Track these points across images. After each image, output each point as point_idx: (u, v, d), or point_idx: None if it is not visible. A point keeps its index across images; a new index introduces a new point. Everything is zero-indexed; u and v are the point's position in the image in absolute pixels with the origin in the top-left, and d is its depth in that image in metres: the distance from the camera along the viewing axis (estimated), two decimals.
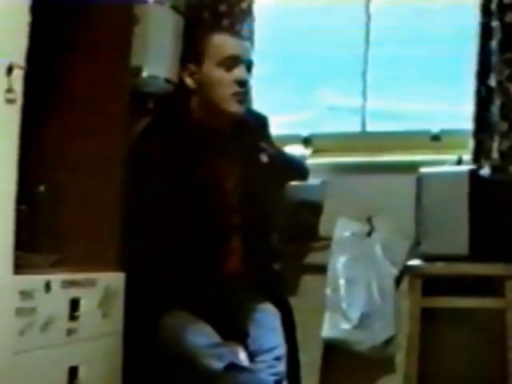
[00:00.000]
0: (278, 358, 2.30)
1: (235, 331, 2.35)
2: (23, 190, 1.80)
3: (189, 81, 2.52)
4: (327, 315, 3.07)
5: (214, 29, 2.85)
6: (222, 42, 2.51)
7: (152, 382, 2.30)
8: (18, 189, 1.76)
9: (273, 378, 2.25)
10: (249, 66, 2.55)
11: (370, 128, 3.45)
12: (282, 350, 2.34)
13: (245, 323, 2.38)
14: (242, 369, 2.23)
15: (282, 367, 2.30)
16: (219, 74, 2.47)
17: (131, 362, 2.21)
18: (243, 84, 2.50)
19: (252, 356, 2.32)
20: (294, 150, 3.15)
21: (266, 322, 2.41)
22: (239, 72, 2.49)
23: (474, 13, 3.05)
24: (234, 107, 2.49)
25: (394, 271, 3.12)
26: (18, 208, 1.78)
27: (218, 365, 2.19)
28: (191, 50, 2.59)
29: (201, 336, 2.25)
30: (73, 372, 1.98)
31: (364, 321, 3.05)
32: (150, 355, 2.27)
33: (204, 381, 2.21)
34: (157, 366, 2.27)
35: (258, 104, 3.30)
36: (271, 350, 2.32)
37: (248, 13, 3.33)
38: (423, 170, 2.93)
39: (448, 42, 3.33)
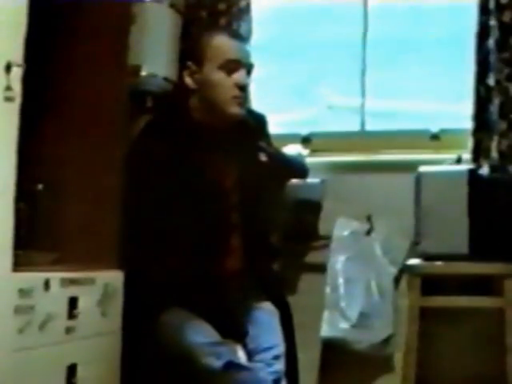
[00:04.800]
0: (276, 357, 2.30)
1: (234, 330, 2.35)
2: (22, 188, 1.80)
3: (189, 80, 2.52)
4: (326, 314, 3.08)
5: (214, 29, 2.85)
6: (223, 45, 2.50)
7: (150, 380, 2.30)
8: (17, 187, 1.76)
9: (271, 377, 2.25)
10: (249, 70, 2.55)
11: (369, 127, 3.46)
12: (280, 349, 2.34)
13: (244, 322, 2.38)
14: (241, 367, 2.23)
15: (280, 366, 2.30)
16: (220, 77, 2.47)
17: (130, 361, 2.22)
18: (243, 88, 2.50)
19: (250, 355, 2.32)
20: (293, 149, 3.15)
21: (265, 320, 2.41)
22: (240, 76, 2.49)
23: (472, 12, 3.05)
24: (234, 109, 2.49)
25: (394, 270, 3.13)
26: (17, 206, 1.78)
27: (216, 363, 2.18)
28: (191, 50, 2.59)
29: (199, 334, 2.25)
30: (71, 370, 1.98)
31: (363, 320, 3.05)
32: (149, 353, 2.27)
33: (202, 379, 2.21)
34: (155, 364, 2.27)
35: (258, 103, 3.30)
36: (270, 348, 2.32)
37: (246, 11, 3.33)
38: (422, 169, 2.93)
39: (446, 42, 3.33)
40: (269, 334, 2.38)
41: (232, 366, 2.20)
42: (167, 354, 2.27)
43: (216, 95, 2.48)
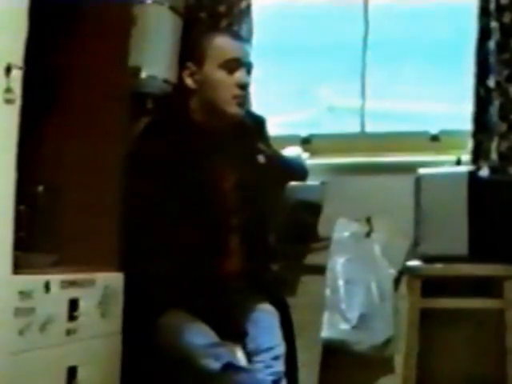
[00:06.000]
0: (275, 358, 2.30)
1: (233, 331, 2.35)
2: (22, 190, 1.80)
3: (189, 81, 2.52)
4: (326, 316, 3.07)
5: (214, 30, 2.86)
6: (224, 45, 2.51)
7: (150, 381, 2.30)
8: (17, 189, 1.76)
9: (271, 378, 2.25)
10: (249, 69, 2.55)
11: (369, 129, 3.46)
12: (280, 350, 2.34)
13: (243, 323, 2.38)
14: (239, 369, 2.23)
15: (280, 367, 2.30)
16: (220, 76, 2.48)
17: (130, 362, 2.22)
18: (244, 87, 2.51)
19: (250, 356, 2.32)
20: (293, 151, 3.15)
21: (265, 321, 2.41)
22: (240, 75, 2.49)
23: (472, 14, 3.05)
24: (234, 109, 2.50)
25: (393, 272, 3.12)
26: (18, 208, 1.78)
27: (215, 365, 2.19)
28: (191, 51, 2.60)
29: (198, 336, 2.25)
30: (71, 372, 1.97)
31: (363, 321, 3.05)
32: (148, 355, 2.27)
33: (201, 380, 2.21)
34: (155, 365, 2.27)
35: (258, 104, 3.30)
36: (269, 349, 2.32)
37: (247, 13, 3.34)
38: (422, 170, 2.93)
39: (446, 43, 3.33)
40: (268, 335, 2.38)
41: (231, 367, 2.20)
42: (166, 355, 2.27)
43: (216, 94, 2.49)
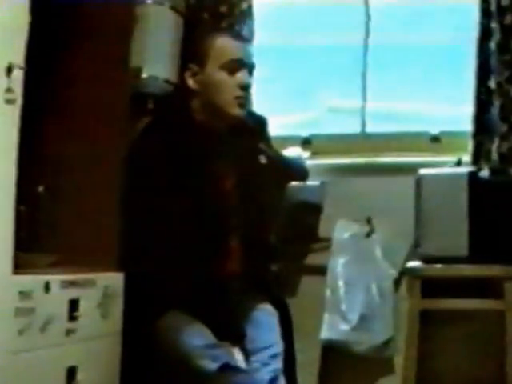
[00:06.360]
0: (273, 356, 2.31)
1: (233, 332, 2.35)
2: (23, 191, 1.80)
3: (191, 82, 2.52)
4: (326, 316, 3.08)
5: (216, 31, 2.85)
6: (225, 45, 2.51)
7: (149, 382, 2.30)
8: (18, 189, 1.76)
9: (268, 376, 2.25)
10: (251, 70, 2.55)
11: (369, 129, 3.46)
12: (278, 348, 2.34)
13: (242, 323, 2.39)
14: (237, 369, 2.23)
15: (277, 364, 2.30)
16: (222, 76, 2.48)
17: (129, 363, 2.22)
18: (246, 88, 2.51)
19: (248, 355, 2.32)
20: (293, 151, 3.15)
21: (263, 321, 2.41)
22: (242, 76, 2.49)
23: (473, 14, 3.05)
24: (236, 110, 2.49)
25: (394, 273, 3.13)
26: (18, 208, 1.78)
27: (212, 365, 2.19)
28: (193, 51, 2.59)
29: (196, 337, 2.25)
30: (71, 372, 1.97)
31: (363, 322, 3.05)
32: (147, 356, 2.27)
33: (199, 381, 2.21)
34: (153, 366, 2.27)
35: (259, 105, 3.30)
36: (267, 348, 2.32)
37: (248, 14, 3.34)
38: (423, 171, 2.93)
39: (447, 44, 3.33)
40: (267, 334, 2.38)
41: (228, 368, 2.20)
42: (164, 356, 2.27)
43: (218, 95, 2.48)
